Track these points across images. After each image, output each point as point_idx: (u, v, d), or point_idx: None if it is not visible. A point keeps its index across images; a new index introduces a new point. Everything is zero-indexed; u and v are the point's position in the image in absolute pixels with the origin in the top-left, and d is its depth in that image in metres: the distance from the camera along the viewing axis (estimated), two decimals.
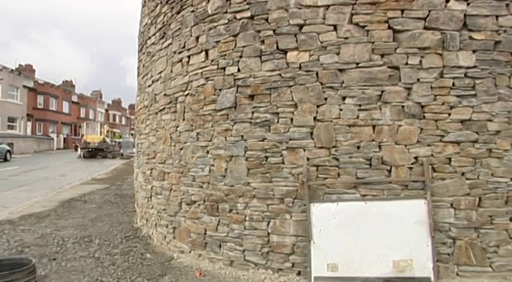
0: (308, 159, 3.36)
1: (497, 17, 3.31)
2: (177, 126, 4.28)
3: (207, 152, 3.87)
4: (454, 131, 3.23)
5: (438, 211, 3.24)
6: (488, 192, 3.27)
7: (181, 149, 4.19)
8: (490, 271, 3.28)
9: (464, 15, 3.29)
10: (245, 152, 3.60)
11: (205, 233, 3.87)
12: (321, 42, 3.38)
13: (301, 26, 3.44)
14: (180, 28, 4.31)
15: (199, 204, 3.94)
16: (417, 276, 3.23)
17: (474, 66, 3.26)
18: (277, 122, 3.47)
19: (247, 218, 3.62)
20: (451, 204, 3.25)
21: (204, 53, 3.93)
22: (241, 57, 3.64)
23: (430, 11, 3.29)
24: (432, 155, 3.22)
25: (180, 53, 4.27)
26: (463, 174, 3.24)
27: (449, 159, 3.24)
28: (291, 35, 3.46)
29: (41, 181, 11.11)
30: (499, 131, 3.27)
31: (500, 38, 3.28)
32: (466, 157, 3.24)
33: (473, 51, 3.27)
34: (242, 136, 3.62)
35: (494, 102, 3.26)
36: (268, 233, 3.53)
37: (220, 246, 3.78)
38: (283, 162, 3.45)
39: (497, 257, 3.29)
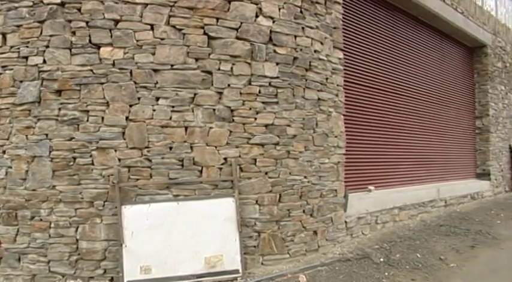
0: (120, 160, 3.39)
1: (295, 36, 3.98)
2: None
3: (4, 152, 3.51)
4: (259, 134, 3.73)
5: (245, 208, 3.68)
6: (286, 189, 3.90)
7: None
8: (287, 257, 3.91)
9: (270, 31, 3.84)
10: (50, 152, 3.40)
11: None
12: (137, 41, 3.45)
13: (117, 22, 3.44)
14: None
15: None
16: (227, 269, 3.59)
17: (277, 77, 3.84)
18: (87, 120, 3.39)
19: (52, 225, 3.42)
20: (256, 201, 3.74)
21: (1, 36, 3.56)
22: (47, 47, 3.43)
23: (242, 23, 3.71)
24: (240, 156, 3.66)
25: None
26: (266, 173, 3.78)
27: (255, 160, 3.73)
28: (106, 29, 3.42)
29: None
30: (296, 135, 3.94)
31: (298, 54, 3.96)
32: (269, 158, 3.79)
33: (277, 64, 3.85)
34: (47, 135, 3.41)
35: (292, 109, 3.91)
36: (77, 240, 3.42)
37: (19, 259, 3.48)
38: (92, 163, 3.39)
39: (293, 244, 3.95)
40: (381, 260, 4.07)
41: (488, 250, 4.56)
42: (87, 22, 3.43)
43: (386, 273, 3.71)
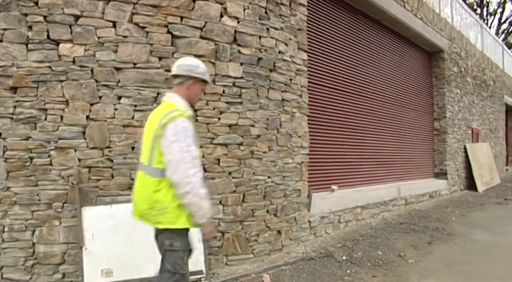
0: (80, 160, 3.33)
1: (260, 37, 4.06)
2: None
3: None
4: (223, 134, 3.78)
5: None
6: (250, 189, 3.96)
7: None
8: (252, 257, 3.97)
9: (235, 31, 3.90)
10: (4, 152, 3.29)
11: None
12: (99, 38, 3.40)
13: (77, 17, 3.37)
14: None
15: None
16: (191, 270, 3.59)
17: (241, 77, 3.90)
18: (45, 119, 3.31)
19: (6, 229, 3.31)
20: (220, 201, 3.78)
21: None
22: (1, 41, 3.32)
23: (206, 22, 3.74)
24: (204, 156, 3.68)
25: None
26: (230, 173, 3.83)
27: (219, 160, 3.77)
28: (66, 25, 3.35)
29: None
30: (260, 135, 4.02)
31: (262, 55, 4.04)
32: (233, 158, 3.84)
33: (241, 64, 3.91)
34: (1, 134, 3.30)
35: (256, 110, 3.98)
36: (34, 244, 3.32)
37: None
38: (51, 164, 3.31)
39: (257, 244, 4.02)
40: (344, 258, 4.22)
41: (443, 246, 4.82)
42: (45, 17, 3.34)
43: (348, 271, 3.85)
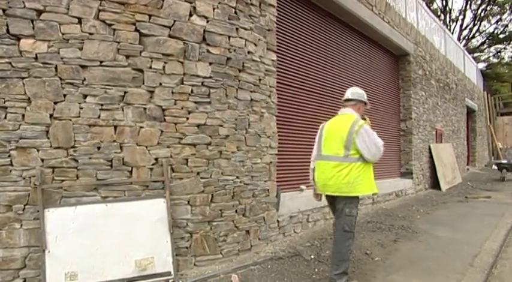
0: (43, 160, 3.26)
1: (229, 37, 4.10)
2: None
3: None
4: (191, 134, 3.80)
5: (177, 209, 3.73)
6: (219, 189, 4.00)
7: None
8: (220, 257, 4.01)
9: (204, 30, 3.92)
10: None
11: None
12: (63, 34, 3.33)
13: (40, 12, 3.29)
14: None
15: None
16: (159, 272, 3.60)
17: (210, 77, 3.93)
18: (5, 117, 3.20)
19: None
20: (188, 202, 3.79)
21: None
22: None
23: (175, 21, 3.75)
24: (171, 156, 3.69)
25: None
26: (198, 173, 3.85)
27: (187, 160, 3.78)
28: (27, 19, 3.26)
29: None
30: (228, 135, 4.06)
31: (231, 55, 4.09)
32: (201, 158, 3.87)
33: (210, 64, 3.94)
34: None
35: (225, 110, 4.03)
36: None
37: None
38: (11, 164, 3.21)
39: (226, 244, 4.06)
40: (312, 256, 4.32)
41: (408, 243, 5.02)
42: (4, 10, 3.22)
43: (316, 270, 3.95)
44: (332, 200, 3.62)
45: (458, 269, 4.00)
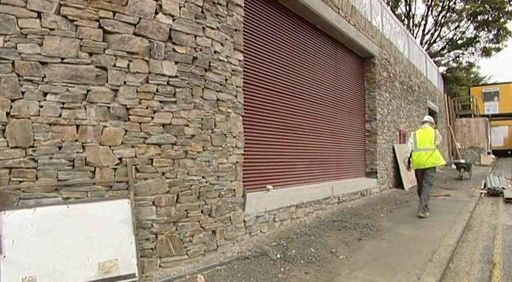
0: None
1: (196, 36, 4.12)
2: None
3: None
4: (156, 134, 3.78)
5: (141, 209, 3.70)
6: (184, 190, 4.00)
7: None
8: (186, 258, 4.01)
9: (170, 29, 3.92)
10: None
11: None
12: (21, 29, 3.23)
13: None
14: None
15: None
16: (123, 274, 3.56)
17: (176, 76, 3.93)
18: None
19: None
20: (153, 202, 3.77)
21: None
22: None
23: (140, 18, 3.73)
24: (136, 156, 3.66)
25: None
26: (163, 173, 3.84)
27: (152, 160, 3.76)
28: None
29: None
30: (194, 135, 4.07)
31: (198, 54, 4.10)
32: (166, 158, 3.86)
33: (176, 63, 3.94)
34: None
35: (191, 109, 4.04)
36: None
37: None
38: None
39: (192, 245, 4.07)
40: (278, 256, 4.39)
41: (372, 241, 5.20)
42: None
43: (282, 269, 4.02)
44: (421, 172, 7.09)
45: (419, 264, 4.19)
